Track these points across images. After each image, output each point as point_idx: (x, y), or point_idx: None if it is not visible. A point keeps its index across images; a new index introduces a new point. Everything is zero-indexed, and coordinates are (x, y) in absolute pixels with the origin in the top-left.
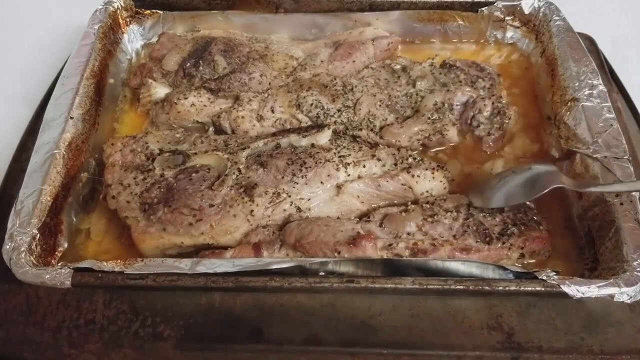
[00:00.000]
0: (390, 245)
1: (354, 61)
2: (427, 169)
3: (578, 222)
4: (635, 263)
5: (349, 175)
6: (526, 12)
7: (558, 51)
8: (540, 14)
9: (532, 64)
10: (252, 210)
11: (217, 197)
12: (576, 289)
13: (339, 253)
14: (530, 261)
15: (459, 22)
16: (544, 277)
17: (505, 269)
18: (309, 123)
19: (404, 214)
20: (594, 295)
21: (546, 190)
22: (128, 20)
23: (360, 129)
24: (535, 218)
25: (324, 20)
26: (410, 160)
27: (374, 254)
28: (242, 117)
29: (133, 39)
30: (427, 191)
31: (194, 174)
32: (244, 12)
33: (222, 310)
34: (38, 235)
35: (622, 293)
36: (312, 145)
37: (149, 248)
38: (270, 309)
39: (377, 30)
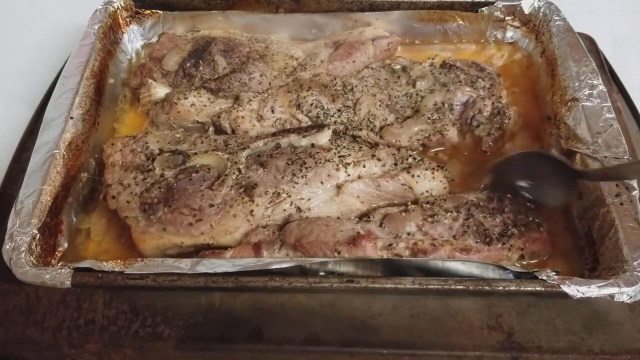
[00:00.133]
0: (390, 245)
1: (354, 61)
2: (427, 169)
3: (578, 222)
4: (635, 263)
5: (349, 175)
6: (526, 12)
7: (558, 51)
8: (540, 14)
9: (532, 64)
10: (252, 210)
11: (217, 197)
12: (576, 289)
13: (339, 253)
14: (530, 262)
15: (459, 22)
16: (544, 277)
17: (505, 269)
18: (309, 123)
19: (404, 214)
20: (594, 295)
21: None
22: (128, 20)
23: (360, 129)
24: (535, 219)
25: (324, 20)
26: (410, 160)
27: (374, 254)
28: (242, 117)
29: (133, 39)
30: (427, 191)
31: (194, 174)
32: (244, 12)
33: (222, 310)
34: (38, 235)
35: (622, 293)
36: (312, 145)
37: (149, 248)
38: (270, 309)
39: (377, 30)
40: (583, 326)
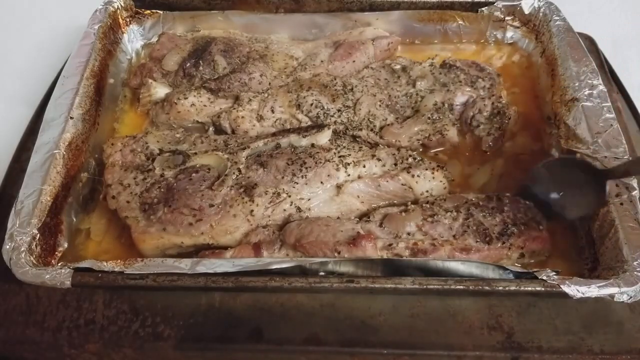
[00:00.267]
0: (390, 245)
1: (354, 61)
2: (427, 169)
3: (578, 222)
4: (635, 263)
5: (349, 175)
6: (526, 12)
7: (558, 51)
8: (540, 14)
9: (532, 64)
10: (252, 210)
11: (217, 197)
12: (576, 289)
13: (339, 253)
14: (530, 261)
15: (459, 22)
16: (544, 277)
17: (505, 269)
18: (309, 123)
19: (404, 214)
20: (594, 295)
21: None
22: (128, 20)
23: (360, 129)
24: (535, 218)
25: (324, 20)
26: (410, 160)
27: (374, 254)
28: (242, 117)
29: (133, 39)
30: (427, 191)
31: (194, 174)
32: (244, 12)
33: (222, 310)
34: (38, 235)
35: (622, 293)
36: (312, 145)
37: (149, 248)
38: (270, 309)
39: (377, 30)
40: (583, 326)
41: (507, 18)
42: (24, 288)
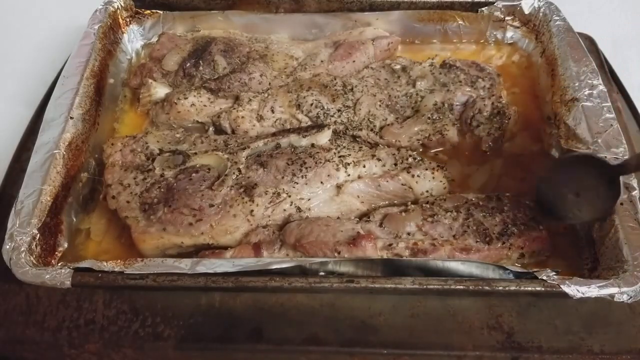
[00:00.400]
0: (390, 245)
1: (354, 61)
2: (427, 169)
3: (579, 223)
4: (635, 263)
5: (349, 175)
6: (526, 12)
7: (558, 51)
8: (540, 14)
9: (532, 64)
10: (252, 210)
11: (217, 197)
12: (576, 289)
13: (339, 253)
14: (530, 261)
15: (459, 22)
16: (544, 277)
17: (505, 269)
18: (309, 123)
19: (404, 214)
20: (594, 295)
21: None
22: (128, 20)
23: (360, 129)
24: (535, 218)
25: (324, 20)
26: (410, 160)
27: (374, 254)
28: (242, 117)
29: (133, 39)
30: (427, 191)
31: (194, 174)
32: (244, 12)
33: (222, 310)
34: (38, 235)
35: (622, 293)
36: (312, 145)
37: (149, 248)
38: (270, 309)
39: (377, 30)
40: (583, 326)
41: (507, 18)
42: (24, 288)
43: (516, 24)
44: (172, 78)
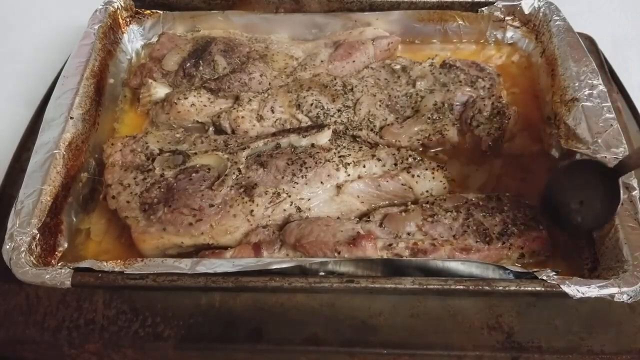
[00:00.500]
0: (390, 245)
1: (354, 61)
2: (427, 169)
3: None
4: (635, 263)
5: (349, 175)
6: (526, 12)
7: (558, 51)
8: (540, 14)
9: (532, 64)
10: (252, 210)
11: (217, 197)
12: (576, 289)
13: (339, 253)
14: (530, 261)
15: (459, 22)
16: (544, 277)
17: (505, 269)
18: (309, 123)
19: (404, 214)
20: (594, 295)
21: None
22: (128, 20)
23: (360, 129)
24: (535, 218)
25: (324, 20)
26: (410, 160)
27: (374, 254)
28: (242, 117)
29: (133, 39)
30: (427, 191)
31: (194, 174)
32: (244, 12)
33: (222, 310)
34: (38, 235)
35: (622, 293)
36: (312, 145)
37: (149, 248)
38: (270, 309)
39: (377, 30)
40: (583, 326)
41: (507, 18)
42: (24, 288)
43: (516, 24)
44: (172, 78)
